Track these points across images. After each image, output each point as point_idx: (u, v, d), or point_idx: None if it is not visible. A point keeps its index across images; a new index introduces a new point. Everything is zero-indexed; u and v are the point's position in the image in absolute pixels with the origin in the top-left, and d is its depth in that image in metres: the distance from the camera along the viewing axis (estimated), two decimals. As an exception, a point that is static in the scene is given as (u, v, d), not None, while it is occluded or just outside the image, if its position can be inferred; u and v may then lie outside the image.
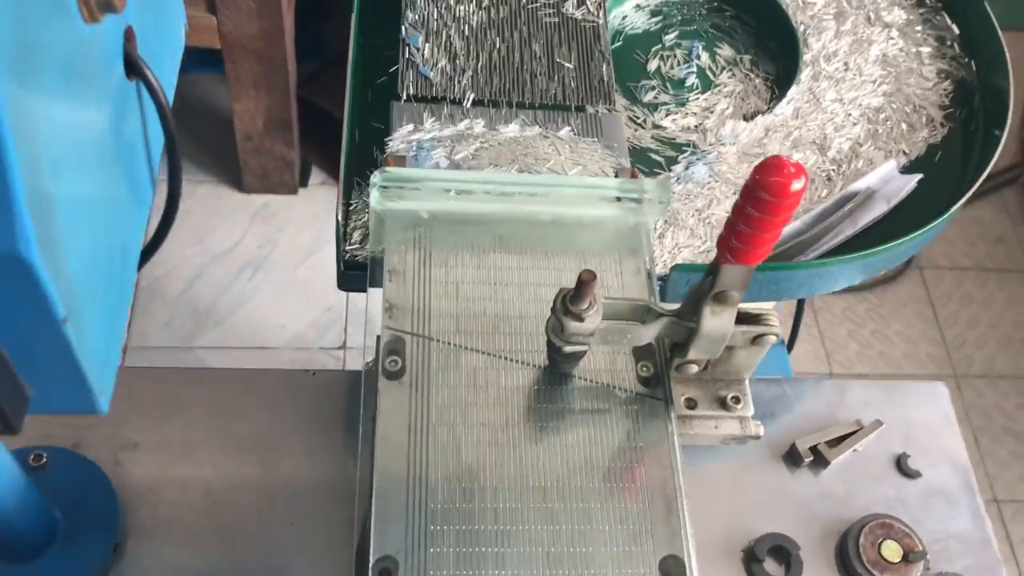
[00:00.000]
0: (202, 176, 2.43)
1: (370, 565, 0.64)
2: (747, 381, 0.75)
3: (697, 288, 0.67)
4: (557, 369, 0.73)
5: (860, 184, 0.92)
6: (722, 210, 0.89)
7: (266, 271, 2.32)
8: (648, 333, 0.69)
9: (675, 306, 0.69)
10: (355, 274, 0.81)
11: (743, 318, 0.69)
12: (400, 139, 0.85)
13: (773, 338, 0.69)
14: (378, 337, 0.74)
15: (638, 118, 0.96)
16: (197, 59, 2.46)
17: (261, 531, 0.88)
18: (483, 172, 0.80)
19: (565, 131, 0.87)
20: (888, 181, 0.92)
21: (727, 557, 0.92)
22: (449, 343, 0.74)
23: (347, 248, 0.81)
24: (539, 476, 0.69)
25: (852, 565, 0.90)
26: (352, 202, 0.84)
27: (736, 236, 0.60)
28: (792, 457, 0.97)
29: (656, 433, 0.72)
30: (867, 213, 0.91)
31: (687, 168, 0.91)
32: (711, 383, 0.75)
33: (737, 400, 0.74)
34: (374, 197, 0.77)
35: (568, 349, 0.69)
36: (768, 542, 0.91)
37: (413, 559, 0.65)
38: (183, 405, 0.93)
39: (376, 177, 0.76)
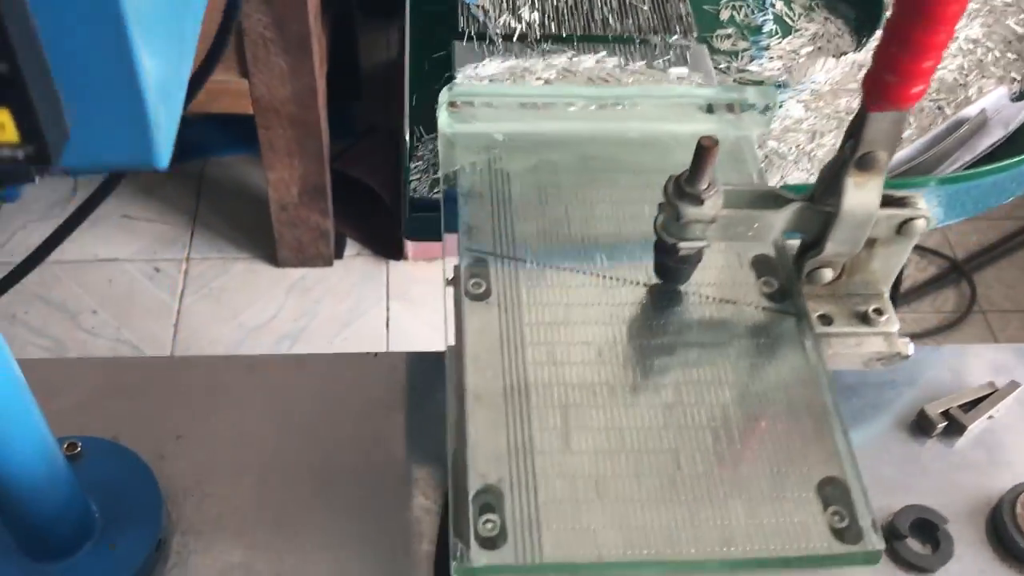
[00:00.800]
0: (236, 254, 2.38)
1: (469, 499, 0.53)
2: (887, 294, 0.64)
3: (834, 161, 0.57)
4: (666, 282, 0.63)
5: (971, 109, 0.83)
6: (827, 142, 0.79)
7: (303, 343, 2.23)
8: (778, 222, 0.59)
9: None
10: (423, 217, 0.72)
11: (885, 200, 0.59)
12: (465, 79, 0.77)
13: (922, 223, 0.59)
14: (456, 267, 0.64)
15: (719, 64, 0.88)
16: (230, 139, 2.44)
17: (323, 524, 0.76)
18: (563, 86, 0.71)
19: (640, 64, 0.79)
20: (1000, 108, 0.83)
21: (863, 538, 0.79)
22: (537, 263, 0.64)
23: (412, 185, 0.72)
24: (659, 392, 0.59)
25: (1011, 537, 0.77)
26: (417, 149, 0.76)
27: (888, 66, 0.51)
28: (921, 426, 0.85)
29: (791, 348, 0.61)
30: (983, 139, 0.81)
31: (781, 107, 0.83)
32: (846, 298, 0.65)
33: (880, 312, 0.63)
34: (443, 119, 0.68)
35: (683, 247, 0.59)
36: (910, 515, 0.78)
37: (521, 487, 0.54)
38: (232, 393, 0.83)
39: (444, 95, 0.68)
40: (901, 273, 1.38)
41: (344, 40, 2.39)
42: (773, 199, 0.58)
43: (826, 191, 0.58)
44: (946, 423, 0.84)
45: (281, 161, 2.12)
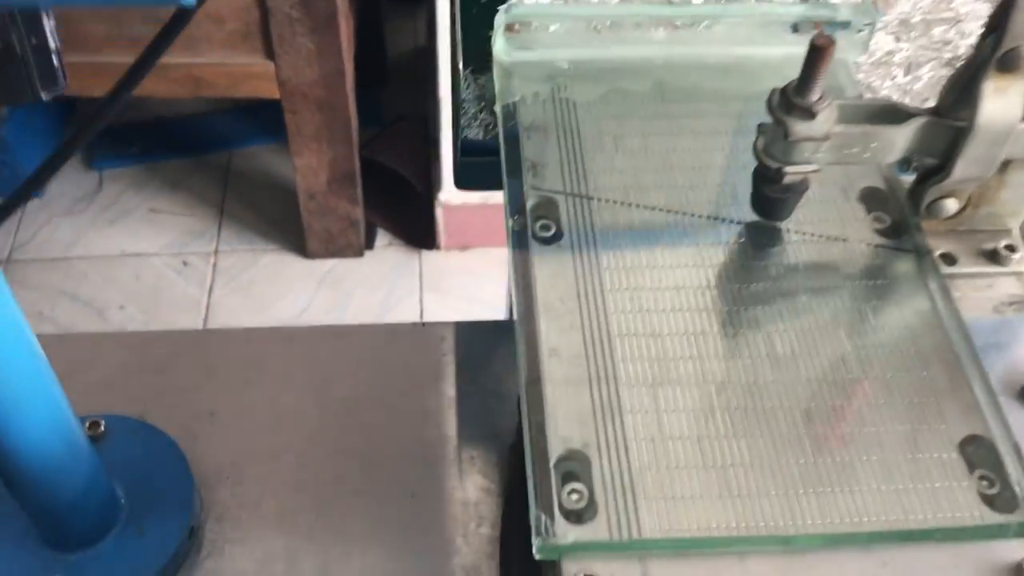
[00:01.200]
0: (265, 245, 2.31)
1: (551, 466, 0.45)
2: (1016, 229, 0.56)
3: (968, 63, 0.48)
4: (766, 217, 0.55)
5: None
6: (925, 74, 0.70)
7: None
8: (899, 140, 0.50)
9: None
10: (475, 162, 0.64)
11: (1023, 112, 0.50)
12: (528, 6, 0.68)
13: (1068, 139, 0.50)
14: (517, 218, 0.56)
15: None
16: (256, 129, 2.38)
17: (371, 509, 0.68)
18: (634, 4, 0.63)
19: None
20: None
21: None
22: (614, 201, 0.56)
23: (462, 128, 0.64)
24: (762, 342, 0.50)
25: None
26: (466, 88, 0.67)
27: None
28: (1033, 393, 0.76)
29: (913, 290, 0.52)
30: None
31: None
32: (969, 235, 0.56)
33: (1012, 249, 0.55)
34: (499, 45, 0.61)
35: (789, 172, 0.51)
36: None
37: (610, 452, 0.46)
38: (269, 368, 0.76)
39: (501, 16, 0.60)
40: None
41: (370, 26, 2.33)
42: (894, 113, 0.50)
43: (957, 101, 0.49)
44: (1062, 388, 0.75)
45: (309, 147, 2.05)
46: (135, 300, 2.19)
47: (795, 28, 0.64)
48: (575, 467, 0.46)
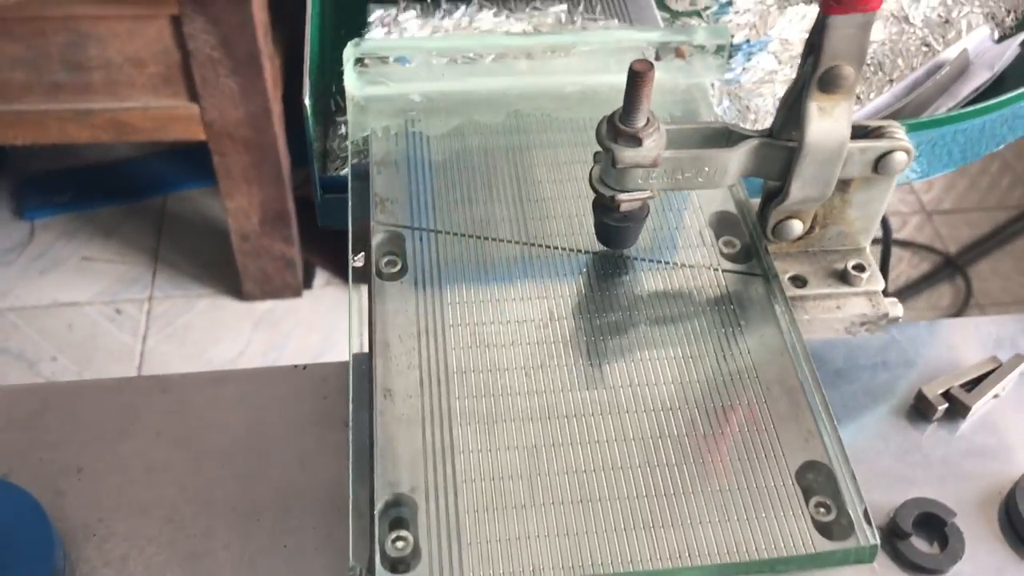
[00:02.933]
0: (200, 289, 2.28)
1: (376, 513, 0.43)
2: (868, 249, 0.55)
3: (793, 84, 0.48)
4: (610, 246, 0.54)
5: (950, 52, 0.74)
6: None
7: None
8: (732, 163, 0.49)
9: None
10: (337, 199, 0.63)
11: (857, 131, 0.50)
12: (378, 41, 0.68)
13: (902, 157, 0.50)
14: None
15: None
16: (190, 172, 2.36)
17: (244, 558, 0.66)
18: (488, 36, 0.62)
19: (579, 19, 0.70)
20: (983, 50, 0.74)
21: (861, 540, 0.69)
22: (462, 234, 0.54)
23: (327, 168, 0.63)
24: (606, 374, 0.49)
25: (1028, 528, 0.67)
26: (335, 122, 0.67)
27: (846, -45, 0.42)
28: (920, 410, 0.76)
29: (759, 315, 0.52)
30: (967, 83, 0.73)
31: (749, 59, 0.74)
32: (821, 255, 0.55)
33: (861, 269, 0.54)
34: (350, 79, 0.59)
35: (624, 200, 0.50)
36: (913, 511, 0.68)
37: (439, 495, 0.44)
38: (142, 419, 0.73)
39: (350, 50, 0.59)
40: (888, 262, 1.29)
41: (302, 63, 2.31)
42: (725, 136, 0.49)
43: (787, 122, 0.49)
44: (947, 405, 0.75)
45: (239, 188, 2.03)
46: (68, 350, 2.16)
47: (657, 56, 0.64)
48: (404, 512, 0.44)
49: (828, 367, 0.78)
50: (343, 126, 0.68)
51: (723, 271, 0.53)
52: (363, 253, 0.52)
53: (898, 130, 0.50)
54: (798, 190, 0.50)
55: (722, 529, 0.43)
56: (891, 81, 0.76)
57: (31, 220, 2.30)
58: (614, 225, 0.52)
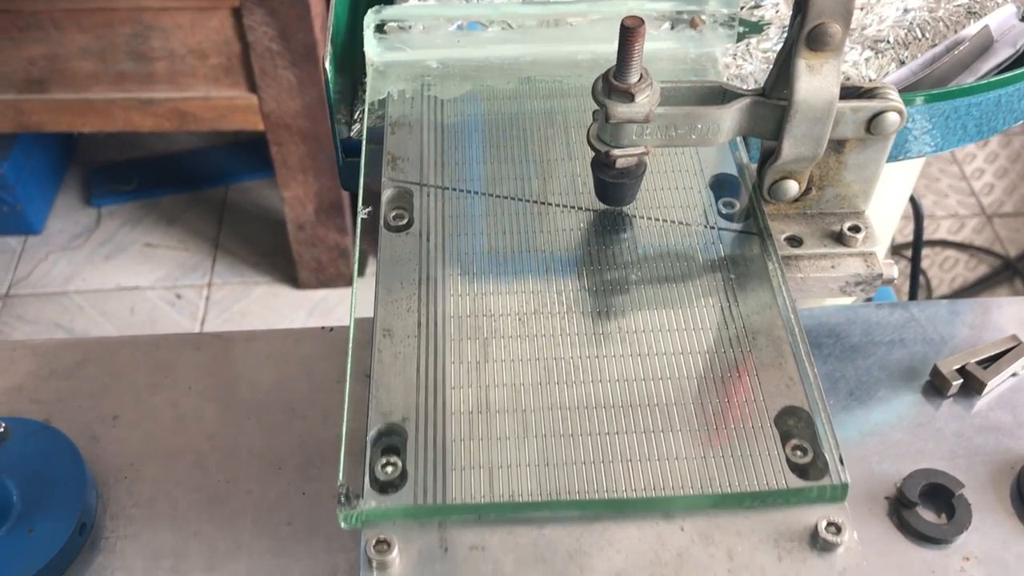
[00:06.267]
0: (257, 277, 2.34)
1: (368, 439, 0.46)
2: (866, 211, 0.56)
3: (784, 43, 0.49)
4: (608, 203, 0.56)
5: (971, 28, 0.74)
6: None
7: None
8: (725, 120, 0.51)
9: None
10: (359, 163, 0.65)
11: (849, 91, 0.51)
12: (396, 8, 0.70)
13: (895, 117, 0.51)
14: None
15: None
16: (251, 164, 2.43)
17: (261, 508, 0.69)
18: (503, 4, 0.65)
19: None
20: (1007, 28, 0.75)
21: (867, 509, 0.69)
22: (468, 191, 0.57)
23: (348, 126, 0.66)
24: (597, 321, 0.51)
25: (1040, 503, 0.67)
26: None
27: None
28: (935, 386, 0.76)
29: (750, 270, 0.53)
30: (988, 60, 0.73)
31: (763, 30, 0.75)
32: (818, 218, 0.57)
33: (857, 230, 0.55)
34: (370, 45, 0.62)
35: (619, 157, 0.52)
36: (920, 481, 0.69)
37: (428, 426, 0.46)
38: (175, 372, 0.77)
39: (370, 17, 0.61)
40: (920, 246, 1.28)
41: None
42: (719, 95, 0.51)
43: (778, 81, 0.50)
44: (962, 381, 0.75)
45: (295, 178, 2.08)
46: (129, 332, 2.23)
47: (672, 25, 0.65)
48: (395, 441, 0.47)
49: (844, 342, 0.79)
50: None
51: (719, 229, 0.55)
52: (370, 207, 0.55)
53: (891, 91, 0.51)
54: (790, 148, 0.52)
55: (698, 465, 0.45)
56: (934, 45, 0.76)
57: (98, 207, 2.39)
58: (611, 182, 0.54)
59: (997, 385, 0.76)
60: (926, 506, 0.68)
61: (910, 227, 1.65)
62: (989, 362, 0.76)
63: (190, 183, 2.46)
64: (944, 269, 2.34)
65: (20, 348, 0.80)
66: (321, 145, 2.04)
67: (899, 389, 0.76)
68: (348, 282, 2.29)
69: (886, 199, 0.90)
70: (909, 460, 0.71)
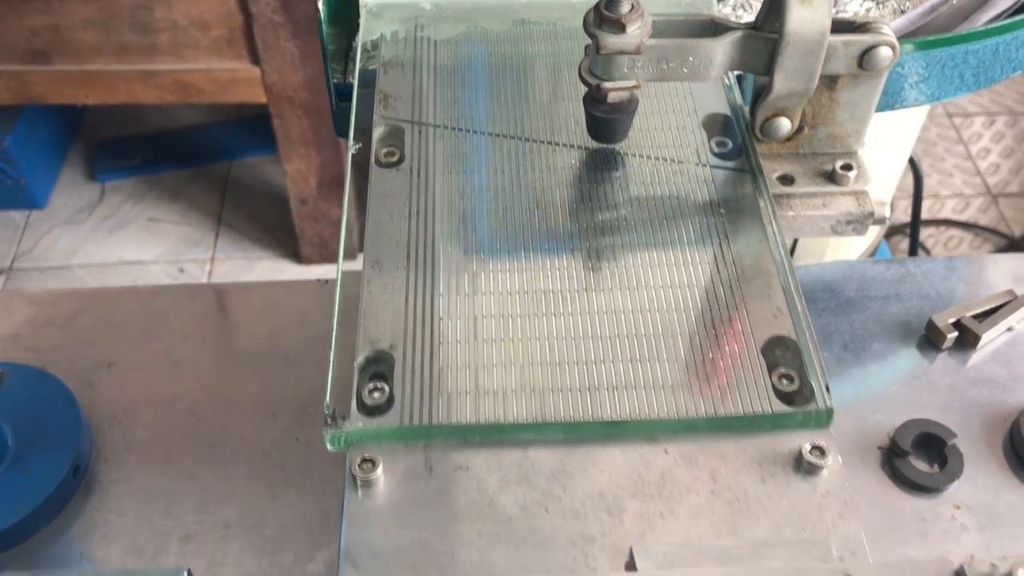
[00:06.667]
0: (260, 252, 2.35)
1: (357, 366, 0.46)
2: (860, 153, 0.56)
3: (775, -26, 0.49)
4: (601, 140, 0.55)
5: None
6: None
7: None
8: (716, 54, 0.51)
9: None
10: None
11: (840, 25, 0.51)
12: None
13: (887, 52, 0.51)
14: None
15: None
16: (254, 139, 2.43)
17: (259, 450, 0.70)
18: (496, -52, 0.65)
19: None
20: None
21: (859, 459, 0.69)
22: (459, 128, 0.57)
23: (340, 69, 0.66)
24: (589, 255, 0.51)
25: (1032, 453, 0.67)
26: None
27: None
28: (930, 339, 0.76)
29: (741, 206, 0.53)
30: (988, 11, 0.72)
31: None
32: (811, 157, 0.56)
33: (849, 168, 0.55)
34: (364, -13, 0.62)
35: (611, 91, 0.52)
36: (912, 431, 0.69)
37: (416, 353, 0.46)
38: (170, 322, 0.77)
39: (364, -42, 0.61)
40: (919, 208, 1.27)
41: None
42: (711, 28, 0.50)
43: (769, 13, 0.50)
44: (957, 334, 0.75)
45: (297, 152, 2.08)
46: (132, 307, 2.22)
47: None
48: (383, 369, 0.47)
49: (840, 297, 0.79)
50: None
51: (712, 167, 0.55)
52: (361, 143, 0.55)
53: (883, 26, 0.51)
54: (782, 82, 0.52)
55: (685, 392, 0.45)
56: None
57: (102, 182, 2.39)
58: (603, 117, 0.54)
59: (992, 339, 0.75)
60: (918, 456, 0.68)
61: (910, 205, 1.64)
62: (984, 316, 0.76)
63: (193, 159, 2.46)
64: (948, 248, 2.33)
65: (17, 298, 0.80)
66: (323, 118, 2.03)
67: (894, 343, 0.76)
68: (350, 256, 2.29)
69: (884, 159, 0.90)
70: (903, 412, 0.71)
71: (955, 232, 2.37)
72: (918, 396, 0.73)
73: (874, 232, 1.03)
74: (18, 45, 1.88)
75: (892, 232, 2.06)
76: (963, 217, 2.40)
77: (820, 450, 0.43)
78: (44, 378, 0.72)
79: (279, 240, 2.34)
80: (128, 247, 2.32)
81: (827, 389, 0.45)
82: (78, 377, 0.73)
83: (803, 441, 0.43)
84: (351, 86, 0.66)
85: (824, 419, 0.44)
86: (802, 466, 0.42)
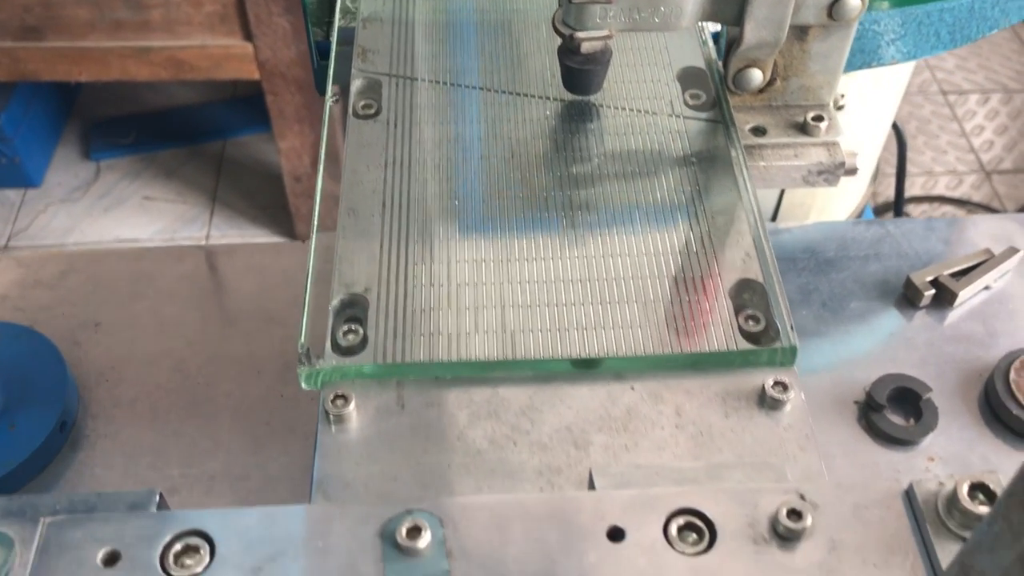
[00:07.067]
0: (255, 230, 2.35)
1: (331, 308, 0.47)
2: (831, 103, 0.57)
3: (744, -78, 0.50)
4: (576, 92, 0.56)
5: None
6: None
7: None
8: (687, 4, 0.52)
9: None
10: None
11: (812, -24, 0.51)
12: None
13: (856, 3, 0.52)
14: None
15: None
16: (249, 118, 2.43)
17: (240, 409, 0.70)
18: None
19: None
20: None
21: (836, 413, 0.70)
22: (436, 81, 0.57)
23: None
24: (562, 201, 0.52)
25: (1005, 407, 0.68)
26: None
27: None
28: (908, 298, 0.76)
29: (713, 156, 0.54)
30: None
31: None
32: (783, 109, 0.57)
33: (820, 119, 0.55)
34: (345, -55, 0.62)
35: (584, 41, 0.52)
36: (888, 385, 0.70)
37: (390, 297, 0.47)
38: (156, 282, 0.78)
39: (344, -86, 0.62)
40: (903, 174, 1.28)
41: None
42: (681, -23, 0.51)
43: (739, -37, 0.51)
44: (934, 292, 0.75)
45: (291, 128, 2.08)
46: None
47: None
48: (358, 312, 0.48)
49: (820, 256, 0.80)
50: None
51: (685, 118, 0.55)
52: (338, 94, 0.55)
53: (853, -26, 0.52)
54: (752, 32, 0.52)
55: (652, 332, 0.46)
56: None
57: (97, 161, 2.39)
58: (577, 68, 0.54)
59: (970, 297, 0.76)
60: (894, 410, 0.69)
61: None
62: (962, 274, 0.77)
63: (188, 137, 2.46)
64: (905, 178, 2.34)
65: (5, 259, 0.81)
66: (317, 95, 2.02)
67: (872, 301, 0.77)
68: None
69: (868, 125, 0.91)
70: (879, 368, 0.72)
71: (948, 208, 2.38)
72: (895, 353, 0.74)
73: (858, 198, 1.04)
74: (10, 21, 1.88)
75: (882, 212, 2.07)
76: (956, 194, 2.41)
77: (783, 385, 0.43)
78: (31, 336, 0.73)
79: (274, 218, 2.35)
80: (123, 225, 2.33)
81: (791, 328, 0.45)
82: (65, 336, 0.74)
83: (767, 378, 0.44)
84: (331, 44, 0.66)
85: (789, 357, 0.45)
86: (765, 401, 0.43)
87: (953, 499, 0.34)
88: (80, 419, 0.70)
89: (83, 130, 2.47)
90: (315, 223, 0.49)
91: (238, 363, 0.73)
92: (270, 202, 2.35)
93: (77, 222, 2.32)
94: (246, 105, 2.46)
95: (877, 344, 0.74)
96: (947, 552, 0.33)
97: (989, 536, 0.28)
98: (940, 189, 2.40)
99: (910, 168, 2.40)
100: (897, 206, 1.16)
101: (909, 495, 0.35)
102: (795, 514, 0.34)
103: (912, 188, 2.33)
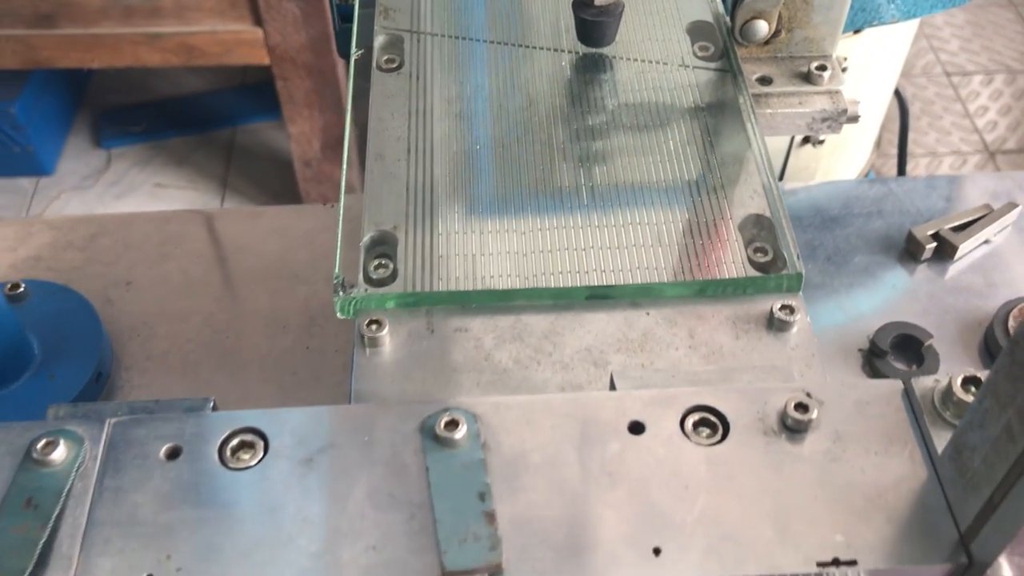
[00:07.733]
0: (265, 215, 2.36)
1: (362, 245, 0.50)
2: (834, 54, 0.59)
3: None
4: (590, 44, 0.59)
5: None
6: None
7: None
8: (695, -44, 0.54)
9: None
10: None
11: (815, -72, 0.54)
12: None
13: (857, -46, 0.54)
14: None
15: None
16: (258, 105, 2.45)
17: (269, 360, 0.73)
18: None
19: None
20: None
21: (841, 360, 0.73)
22: (456, 36, 0.60)
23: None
24: (580, 145, 0.54)
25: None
26: None
27: None
28: (910, 251, 0.79)
29: (722, 103, 0.56)
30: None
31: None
32: (788, 60, 0.60)
33: (823, 68, 0.58)
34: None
35: (598, -6, 0.55)
36: (891, 332, 0.72)
37: (418, 233, 0.50)
38: (184, 244, 0.81)
39: None
40: (906, 141, 1.31)
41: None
42: (690, -68, 0.54)
43: (746, -83, 0.53)
44: (935, 245, 0.78)
45: (301, 114, 2.10)
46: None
47: None
48: (387, 250, 0.50)
49: (825, 214, 0.83)
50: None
51: (694, 68, 0.58)
52: (363, 50, 0.58)
53: (854, -72, 0.54)
54: (758, -17, 0.55)
55: (666, 261, 0.49)
56: None
57: (108, 149, 2.42)
58: (591, 20, 0.57)
59: (970, 251, 0.79)
60: (897, 356, 0.72)
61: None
62: (962, 228, 0.79)
63: (198, 125, 2.48)
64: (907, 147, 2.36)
65: (37, 223, 0.84)
66: (326, 79, 2.05)
67: (875, 255, 0.79)
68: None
69: (870, 88, 0.93)
70: (882, 318, 0.75)
71: (952, 188, 2.39)
72: (898, 303, 0.76)
73: (862, 163, 1.07)
74: (24, 9, 1.91)
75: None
76: (960, 174, 2.42)
77: (789, 308, 0.46)
78: (66, 293, 0.76)
79: (284, 203, 2.37)
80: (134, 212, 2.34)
81: (798, 257, 0.48)
82: (98, 294, 0.77)
83: (775, 302, 0.47)
84: (352, 7, 0.69)
85: (795, 283, 0.48)
86: (773, 324, 0.46)
87: (948, 392, 0.36)
88: (114, 372, 0.73)
89: (94, 118, 2.49)
90: (344, 167, 0.51)
91: (264, 318, 0.76)
92: (280, 188, 2.38)
93: (90, 209, 2.35)
94: (255, 92, 2.49)
95: (880, 295, 0.77)
96: (943, 440, 0.36)
97: (979, 413, 0.30)
98: (944, 169, 2.42)
99: (914, 148, 2.42)
100: (900, 167, 1.19)
101: (907, 391, 0.37)
102: (802, 407, 0.36)
103: (916, 169, 2.35)
